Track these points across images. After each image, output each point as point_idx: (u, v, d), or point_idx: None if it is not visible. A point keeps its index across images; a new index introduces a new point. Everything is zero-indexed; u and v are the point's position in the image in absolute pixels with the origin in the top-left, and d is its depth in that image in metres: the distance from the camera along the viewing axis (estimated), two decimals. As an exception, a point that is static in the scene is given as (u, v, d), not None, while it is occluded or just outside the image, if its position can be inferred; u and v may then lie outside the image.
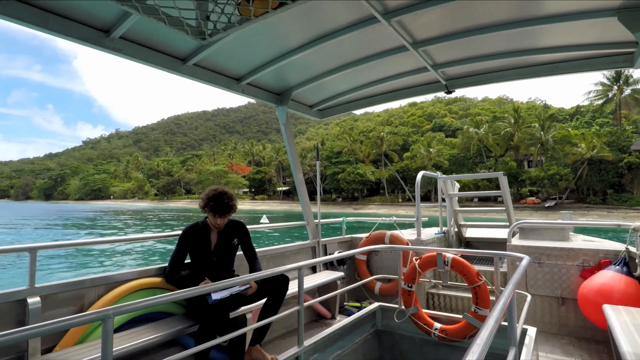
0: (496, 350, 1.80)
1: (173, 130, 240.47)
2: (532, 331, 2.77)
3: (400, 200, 58.03)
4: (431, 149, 55.98)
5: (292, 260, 4.40)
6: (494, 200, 48.89)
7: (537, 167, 47.38)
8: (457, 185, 6.06)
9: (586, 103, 56.64)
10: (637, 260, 3.50)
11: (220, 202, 2.81)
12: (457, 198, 5.88)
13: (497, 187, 5.54)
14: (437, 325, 3.17)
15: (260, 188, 78.67)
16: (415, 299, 3.31)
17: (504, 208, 5.28)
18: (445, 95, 4.41)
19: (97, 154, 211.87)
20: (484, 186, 46.93)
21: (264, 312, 2.84)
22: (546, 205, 42.61)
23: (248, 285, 2.76)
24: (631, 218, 33.54)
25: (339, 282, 4.44)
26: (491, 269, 4.48)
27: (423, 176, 5.09)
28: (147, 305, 1.71)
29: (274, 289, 2.89)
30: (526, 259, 2.50)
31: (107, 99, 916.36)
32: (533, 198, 45.53)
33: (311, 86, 4.10)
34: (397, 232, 5.05)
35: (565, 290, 3.89)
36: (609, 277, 3.41)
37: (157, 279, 2.87)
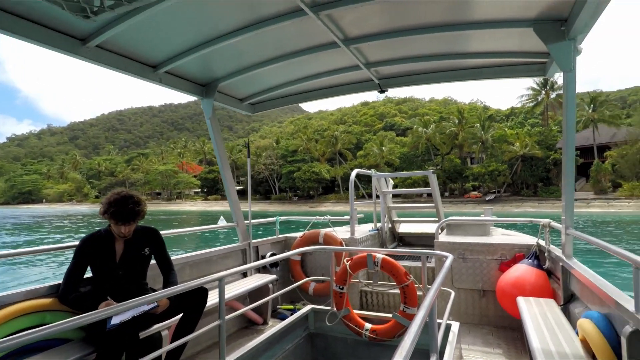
0: (424, 347, 1.80)
1: (115, 126, 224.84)
2: (455, 326, 2.86)
3: (355, 197, 58.99)
4: (383, 148, 57.65)
5: (220, 266, 4.14)
6: (442, 196, 51.42)
7: (478, 164, 50.59)
8: (392, 182, 6.11)
9: (519, 105, 61.53)
10: (545, 254, 3.72)
11: (123, 208, 2.46)
12: (391, 195, 5.99)
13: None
14: (368, 325, 3.17)
15: (213, 188, 76.04)
16: (346, 300, 3.29)
17: (436, 205, 5.42)
18: (379, 95, 4.38)
19: (25, 152, 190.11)
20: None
21: (179, 331, 2.58)
22: (487, 198, 45.60)
23: (155, 304, 2.43)
24: (557, 208, 36.94)
25: (271, 285, 4.26)
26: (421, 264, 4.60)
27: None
28: (15, 344, 1.38)
29: (189, 304, 2.63)
30: (450, 258, 2.57)
31: (34, 90, 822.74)
32: (476, 192, 48.56)
33: (241, 78, 3.83)
34: (332, 231, 4.97)
35: (485, 283, 4.07)
36: (522, 270, 3.59)
37: (48, 300, 2.42)
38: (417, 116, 74.16)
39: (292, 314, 3.45)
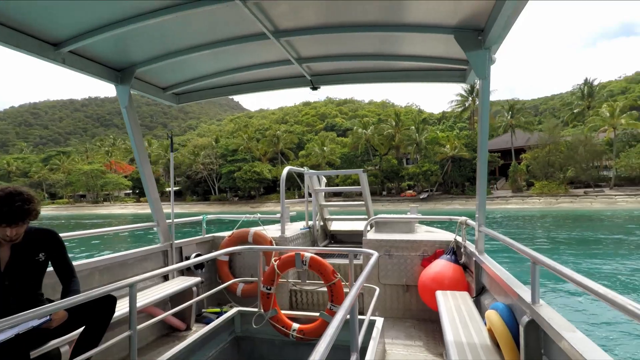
0: (347, 344, 1.82)
1: (28, 121, 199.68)
2: (379, 322, 2.91)
3: (297, 197, 59.19)
4: (325, 148, 58.47)
5: (137, 270, 3.80)
6: (379, 194, 53.64)
7: (413, 164, 53.57)
8: (325, 180, 6.12)
9: (450, 110, 66.47)
10: (462, 250, 3.91)
11: (8, 207, 2.10)
12: (323, 193, 6.00)
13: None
14: (296, 325, 3.13)
15: (145, 189, 71.05)
16: (274, 301, 3.22)
17: (368, 202, 5.48)
18: (311, 91, 4.25)
19: None
20: (370, 182, 51.55)
21: (81, 345, 2.28)
22: (421, 197, 48.44)
23: (47, 318, 2.10)
24: (475, 204, 40.49)
25: (195, 288, 4.00)
26: (355, 262, 4.57)
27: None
28: None
29: (92, 315, 2.35)
30: (375, 256, 2.61)
31: None
32: (411, 191, 51.35)
33: (163, 64, 3.50)
34: (261, 230, 4.83)
35: (409, 278, 4.20)
36: (441, 265, 3.77)
37: None
38: (357, 117, 76.46)
39: (218, 317, 3.28)
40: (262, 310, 3.20)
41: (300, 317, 3.27)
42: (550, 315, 1.82)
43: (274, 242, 4.56)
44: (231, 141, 67.54)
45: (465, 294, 3.35)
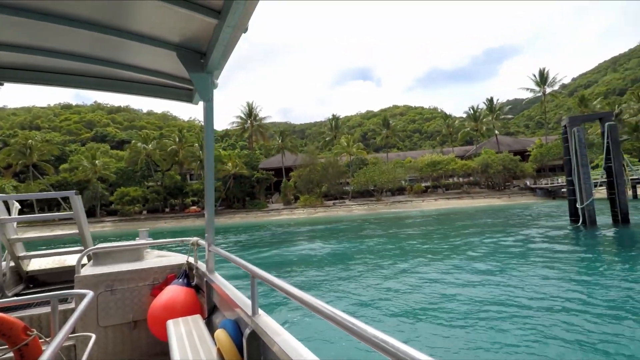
0: None
1: None
2: None
3: (57, 220, 48.48)
4: (97, 162, 51.00)
5: None
6: (162, 211, 51.45)
7: (197, 181, 54.59)
8: (18, 206, 4.87)
9: (231, 128, 71.41)
10: (194, 271, 3.77)
11: None
12: (15, 224, 4.66)
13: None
14: None
15: None
16: None
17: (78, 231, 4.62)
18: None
19: None
20: (152, 198, 49.00)
21: None
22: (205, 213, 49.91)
23: None
24: (260, 217, 46.10)
25: None
26: (64, 307, 3.75)
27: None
28: None
29: None
30: (89, 296, 2.13)
31: None
32: (195, 207, 52.00)
33: None
34: None
35: (137, 313, 3.76)
36: (172, 291, 3.50)
37: None
38: (134, 129, 70.31)
39: None
40: None
41: None
42: (267, 323, 1.92)
43: None
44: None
45: (198, 317, 3.15)
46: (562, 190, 43.67)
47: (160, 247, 6.19)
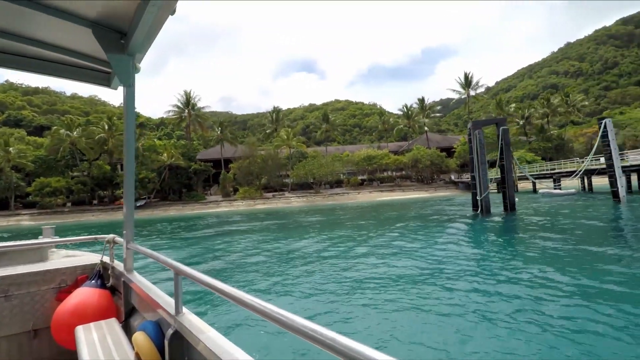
0: None
1: None
2: None
3: None
4: (10, 149, 46.18)
5: None
6: (89, 204, 48.33)
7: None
8: None
9: (167, 117, 68.54)
10: (109, 271, 3.46)
11: None
12: None
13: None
14: None
15: None
16: None
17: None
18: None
19: None
20: (78, 190, 45.91)
21: None
22: (138, 204, 47.74)
23: None
24: (198, 209, 45.48)
25: None
26: None
27: None
28: None
29: None
30: None
31: None
32: (127, 199, 49.58)
33: None
34: None
35: (38, 320, 3.37)
36: (83, 294, 3.21)
37: None
38: (55, 113, 64.41)
39: None
40: None
41: None
42: (192, 322, 1.83)
43: None
44: None
45: (113, 320, 2.93)
46: (478, 183, 49.13)
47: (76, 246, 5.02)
